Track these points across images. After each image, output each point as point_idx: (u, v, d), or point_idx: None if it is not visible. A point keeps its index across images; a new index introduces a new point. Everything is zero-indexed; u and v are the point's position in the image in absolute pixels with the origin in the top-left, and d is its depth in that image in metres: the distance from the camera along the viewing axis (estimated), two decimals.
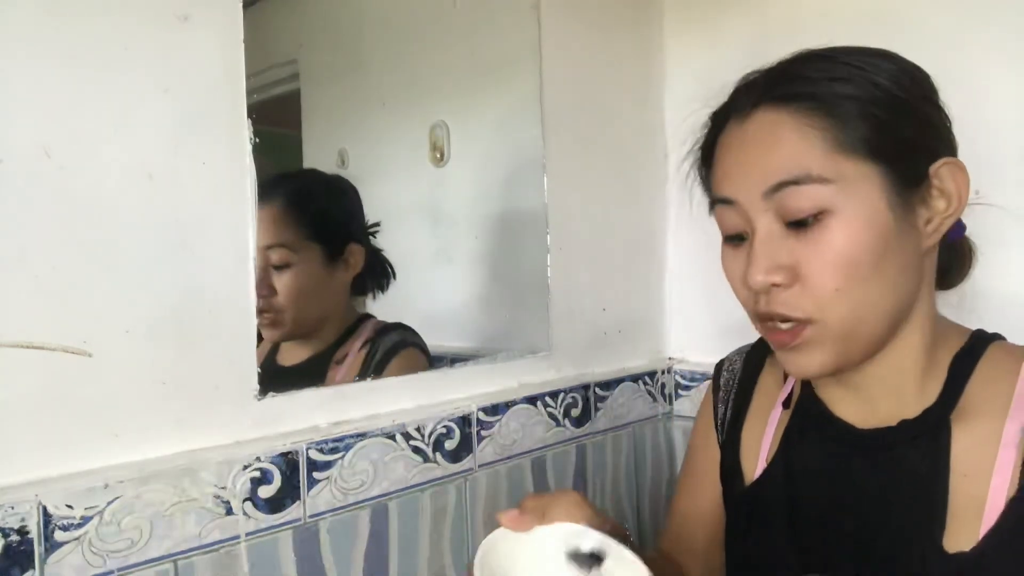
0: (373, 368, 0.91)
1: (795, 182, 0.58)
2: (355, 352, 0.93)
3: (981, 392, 0.61)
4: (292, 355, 0.92)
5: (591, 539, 0.57)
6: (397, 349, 0.94)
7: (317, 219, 0.93)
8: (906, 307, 0.62)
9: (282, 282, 0.89)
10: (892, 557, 0.59)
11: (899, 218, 0.58)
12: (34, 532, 0.57)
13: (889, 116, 0.58)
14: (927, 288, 0.63)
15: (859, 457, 0.65)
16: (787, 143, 0.58)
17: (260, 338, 0.75)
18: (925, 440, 0.61)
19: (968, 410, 0.61)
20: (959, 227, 0.67)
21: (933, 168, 0.59)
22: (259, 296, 0.74)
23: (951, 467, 0.59)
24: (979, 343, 0.64)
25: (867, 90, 0.58)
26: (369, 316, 0.97)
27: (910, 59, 0.63)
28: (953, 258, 0.68)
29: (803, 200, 0.58)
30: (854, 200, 0.57)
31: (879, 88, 0.59)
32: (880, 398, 0.65)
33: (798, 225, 0.59)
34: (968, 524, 0.57)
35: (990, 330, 0.67)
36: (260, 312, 0.75)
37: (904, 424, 0.62)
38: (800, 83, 0.60)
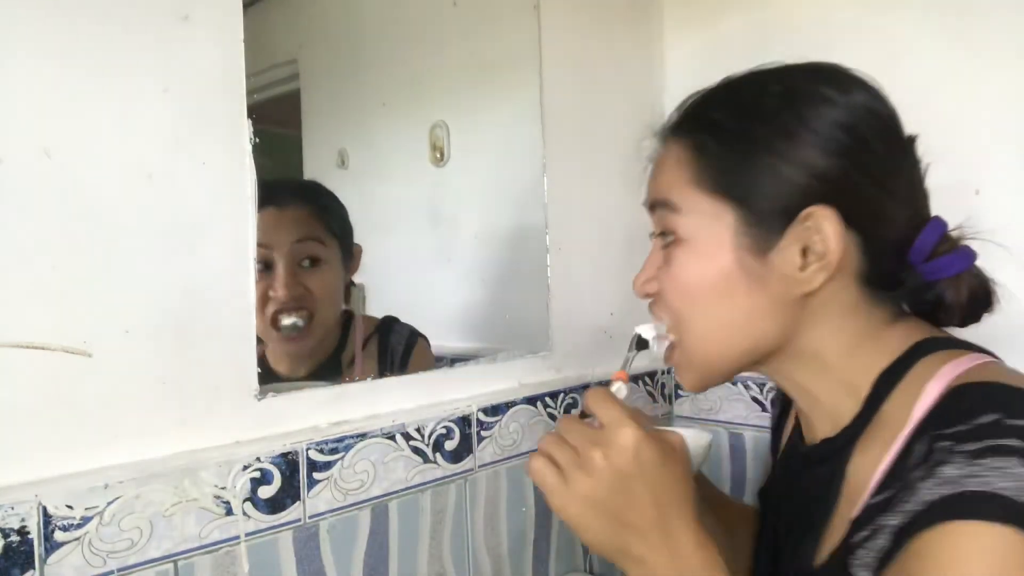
0: (399, 364, 0.91)
1: (657, 205, 0.65)
2: (359, 352, 0.92)
3: (894, 410, 0.57)
4: (294, 368, 0.90)
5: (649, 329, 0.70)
6: (413, 342, 0.94)
7: (337, 216, 0.93)
8: (774, 344, 0.62)
9: (314, 280, 0.88)
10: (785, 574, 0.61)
11: (747, 261, 0.59)
12: (34, 532, 0.57)
13: (744, 160, 0.60)
14: (824, 325, 0.61)
15: (799, 473, 0.68)
16: (665, 170, 0.65)
17: (262, 362, 0.73)
18: (832, 461, 0.61)
19: (876, 430, 0.58)
20: (955, 261, 0.60)
21: (804, 213, 0.57)
22: (291, 297, 0.76)
23: (843, 488, 0.59)
24: (910, 357, 0.59)
25: (733, 133, 0.61)
26: (350, 313, 0.97)
27: (857, 72, 0.61)
28: (947, 293, 0.61)
29: (664, 223, 0.64)
30: (701, 234, 0.61)
31: (744, 132, 0.60)
32: (812, 418, 0.65)
33: (665, 244, 0.64)
34: (831, 544, 0.58)
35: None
36: (291, 316, 0.79)
37: (824, 443, 0.63)
38: (691, 118, 0.65)
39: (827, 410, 0.63)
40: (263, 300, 0.83)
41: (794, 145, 0.58)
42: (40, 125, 0.59)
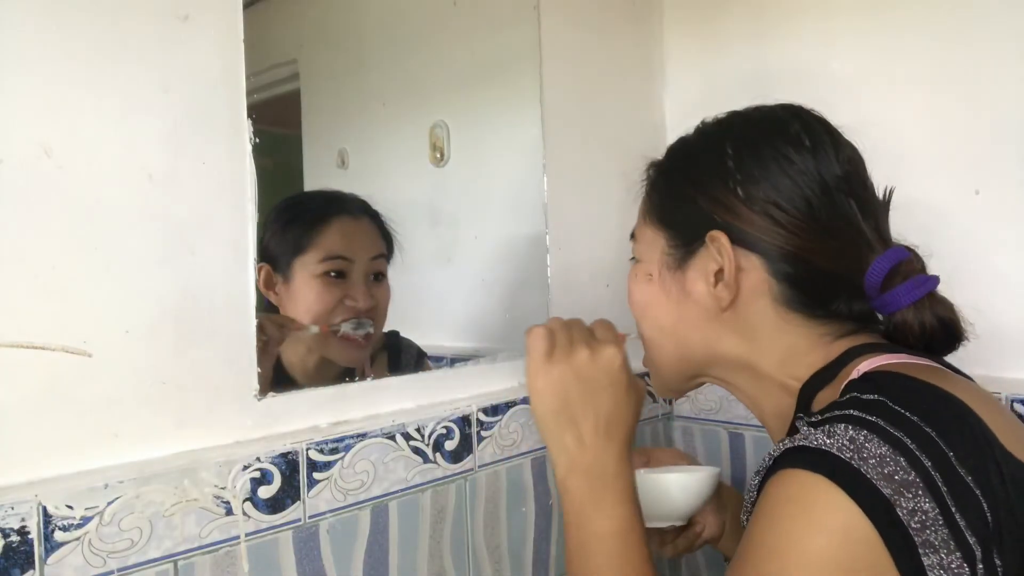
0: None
1: (631, 235, 0.77)
2: (367, 363, 0.92)
3: (822, 403, 0.59)
4: (316, 379, 0.88)
5: None
6: (422, 358, 0.96)
7: (390, 235, 0.96)
8: (702, 354, 0.70)
9: (380, 293, 0.92)
10: None
11: (670, 278, 0.69)
12: (34, 532, 0.57)
13: (662, 191, 0.72)
14: (753, 341, 0.66)
15: None
16: (638, 210, 0.76)
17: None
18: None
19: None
20: (907, 292, 0.60)
21: (708, 236, 0.65)
22: (367, 309, 0.82)
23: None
24: (843, 359, 0.61)
25: (668, 170, 0.72)
26: None
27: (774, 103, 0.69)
28: (908, 324, 0.61)
29: (633, 251, 0.76)
30: (645, 256, 0.73)
31: (665, 167, 0.73)
32: (765, 423, 0.72)
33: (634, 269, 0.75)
34: None
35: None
36: (361, 323, 0.84)
37: (780, 443, 0.65)
38: (652, 165, 0.75)
39: (774, 412, 0.68)
40: (333, 308, 0.87)
41: (707, 178, 0.66)
42: (40, 125, 0.59)
